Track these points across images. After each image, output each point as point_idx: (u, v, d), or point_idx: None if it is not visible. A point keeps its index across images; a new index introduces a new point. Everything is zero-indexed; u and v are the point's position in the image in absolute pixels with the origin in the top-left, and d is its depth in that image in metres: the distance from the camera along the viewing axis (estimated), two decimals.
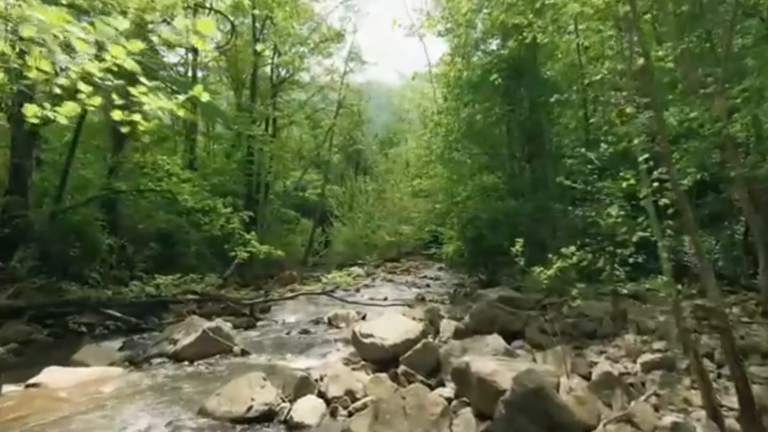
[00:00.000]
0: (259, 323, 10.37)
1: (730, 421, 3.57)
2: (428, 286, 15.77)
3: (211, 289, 11.38)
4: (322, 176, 25.52)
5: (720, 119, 5.23)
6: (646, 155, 3.68)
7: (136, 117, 2.24)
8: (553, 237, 9.42)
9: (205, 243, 15.15)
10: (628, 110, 3.73)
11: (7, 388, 5.15)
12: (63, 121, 2.19)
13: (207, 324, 6.75)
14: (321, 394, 4.76)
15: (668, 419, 3.49)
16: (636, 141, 3.69)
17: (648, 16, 7.49)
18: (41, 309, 8.87)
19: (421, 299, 12.83)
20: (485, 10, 11.11)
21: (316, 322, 10.22)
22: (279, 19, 21.29)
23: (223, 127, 20.10)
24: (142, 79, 2.06)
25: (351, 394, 4.68)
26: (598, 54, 12.76)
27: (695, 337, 3.82)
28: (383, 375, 4.99)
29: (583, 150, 6.73)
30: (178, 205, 13.18)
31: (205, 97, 2.10)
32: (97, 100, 2.08)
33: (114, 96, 2.11)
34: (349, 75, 24.58)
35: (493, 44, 12.86)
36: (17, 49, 2.19)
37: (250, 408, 4.33)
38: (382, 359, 5.59)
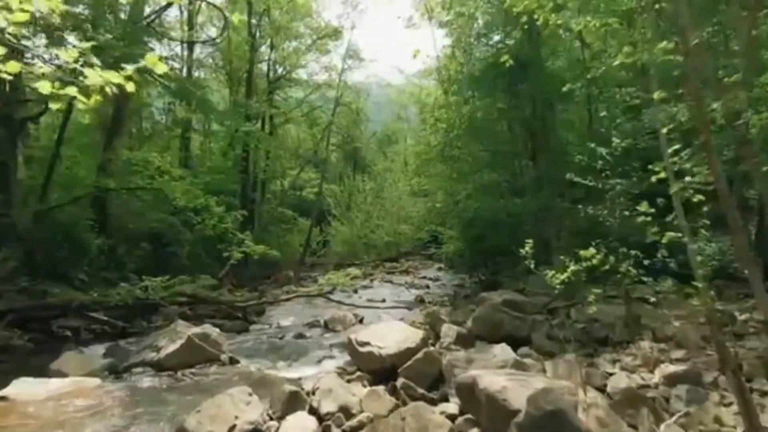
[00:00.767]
0: (253, 327, 10.00)
1: None
2: (427, 287, 15.42)
3: (204, 291, 10.94)
4: (319, 175, 25.13)
5: (742, 112, 4.83)
6: (676, 146, 3.28)
7: (72, 90, 1.82)
8: (558, 237, 9.00)
9: (199, 243, 14.74)
10: (656, 96, 3.30)
11: None
12: None
13: (192, 330, 6.31)
14: (313, 411, 4.34)
15: None
16: (664, 130, 3.28)
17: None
18: (21, 313, 8.43)
19: (420, 301, 12.50)
20: None
21: (312, 325, 9.86)
22: (276, 14, 20.98)
23: (216, 123, 19.66)
24: (73, 40, 1.64)
25: (345, 411, 4.25)
26: (601, 49, 12.52)
27: (734, 351, 3.40)
28: (381, 388, 4.57)
29: (593, 145, 6.31)
30: (170, 203, 12.80)
31: (160, 69, 1.70)
32: (15, 66, 1.65)
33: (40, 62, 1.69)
34: (347, 72, 24.22)
35: (495, 38, 12.43)
36: None
37: (233, 427, 3.91)
38: (379, 370, 5.16)
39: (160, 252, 14.17)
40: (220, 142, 21.55)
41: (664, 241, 3.30)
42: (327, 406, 4.28)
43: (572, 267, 4.14)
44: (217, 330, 6.88)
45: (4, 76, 1.66)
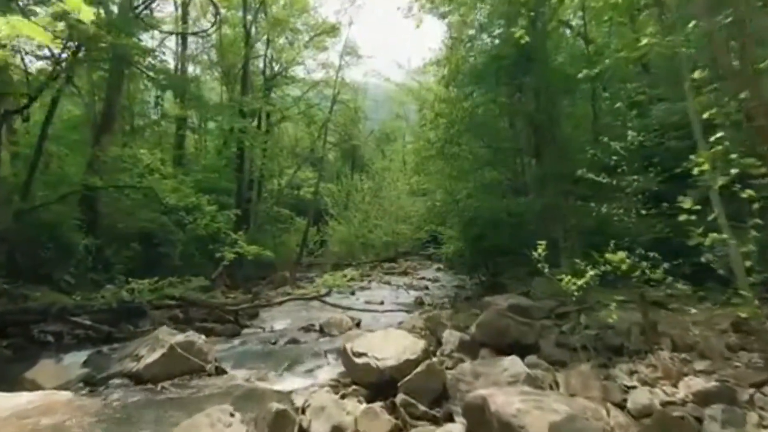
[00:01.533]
0: (245, 330, 9.58)
1: None
2: (427, 288, 15.02)
3: (193, 293, 10.48)
4: (316, 174, 24.75)
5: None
6: (719, 134, 2.85)
7: None
8: (566, 237, 8.57)
9: (192, 243, 14.28)
10: (697, 75, 2.87)
11: None
12: None
13: (176, 338, 5.84)
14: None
15: None
16: (705, 115, 2.85)
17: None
18: None
19: (419, 303, 12.09)
20: None
21: (307, 329, 9.43)
22: (272, 10, 20.55)
23: (209, 119, 19.22)
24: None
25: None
26: (605, 44, 12.15)
27: None
28: (378, 406, 4.12)
29: (605, 139, 5.89)
30: (161, 202, 12.35)
31: (86, 15, 1.27)
32: None
33: None
34: (345, 70, 23.86)
35: (497, 30, 11.99)
36: None
37: None
38: (377, 383, 4.69)
39: (152, 252, 13.73)
40: (215, 140, 21.17)
41: (707, 243, 2.87)
42: (318, 427, 3.83)
43: (591, 272, 3.69)
44: (203, 337, 6.42)
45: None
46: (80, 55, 10.33)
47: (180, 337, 5.90)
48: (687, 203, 3.10)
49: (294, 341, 8.30)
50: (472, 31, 12.22)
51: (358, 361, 4.83)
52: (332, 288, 12.15)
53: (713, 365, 4.86)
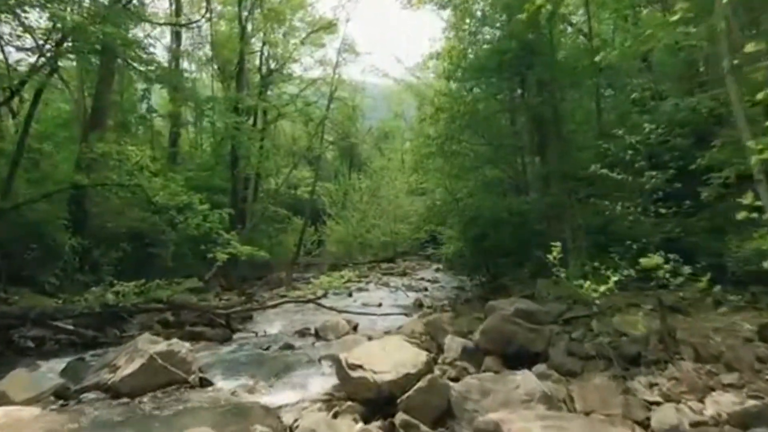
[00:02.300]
0: (237, 335, 9.20)
1: None
2: (426, 289, 14.65)
3: (182, 296, 10.05)
4: (314, 173, 24.35)
5: None
6: None
7: None
8: (574, 237, 8.15)
9: (185, 243, 13.82)
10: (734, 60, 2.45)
11: None
12: None
13: (156, 347, 5.39)
14: None
15: None
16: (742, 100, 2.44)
17: None
18: None
19: (419, 305, 11.71)
20: None
21: (302, 333, 9.07)
22: (268, 4, 20.10)
23: (202, 114, 18.78)
24: None
25: None
26: (608, 42, 11.77)
27: None
28: (375, 426, 3.70)
29: (620, 132, 5.49)
30: (150, 201, 11.89)
31: None
32: None
33: None
34: (342, 66, 23.44)
35: (498, 23, 11.56)
36: None
37: None
38: (374, 400, 4.25)
39: (142, 253, 13.29)
40: (210, 138, 20.75)
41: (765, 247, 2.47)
42: None
43: (614, 277, 3.27)
44: (187, 345, 5.96)
45: None
46: (65, 45, 9.85)
47: (161, 346, 5.44)
48: (748, 198, 2.68)
49: (288, 347, 7.90)
50: (473, 22, 11.78)
51: (354, 374, 4.38)
52: (329, 290, 11.74)
53: (742, 378, 4.44)
